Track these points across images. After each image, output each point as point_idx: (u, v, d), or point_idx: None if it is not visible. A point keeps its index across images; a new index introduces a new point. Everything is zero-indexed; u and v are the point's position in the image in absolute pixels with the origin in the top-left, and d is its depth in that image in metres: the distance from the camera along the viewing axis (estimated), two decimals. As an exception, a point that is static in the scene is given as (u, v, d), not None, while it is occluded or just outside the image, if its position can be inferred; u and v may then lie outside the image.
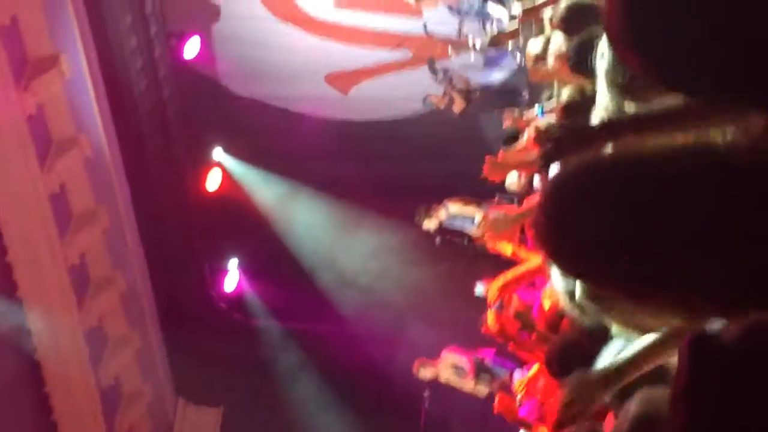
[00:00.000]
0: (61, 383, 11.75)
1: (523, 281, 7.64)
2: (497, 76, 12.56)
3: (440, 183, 11.94)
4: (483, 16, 11.35)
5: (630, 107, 3.91)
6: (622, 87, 3.91)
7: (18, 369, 11.25)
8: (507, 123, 8.60)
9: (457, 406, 11.35)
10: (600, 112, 4.23)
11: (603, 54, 4.06)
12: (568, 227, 1.75)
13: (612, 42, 1.84)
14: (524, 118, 8.91)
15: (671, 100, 3.00)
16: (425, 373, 10.36)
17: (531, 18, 7.76)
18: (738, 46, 1.59)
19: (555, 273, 4.80)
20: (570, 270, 1.90)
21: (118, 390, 13.10)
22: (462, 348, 10.36)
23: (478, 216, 10.19)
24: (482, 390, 9.83)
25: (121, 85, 12.33)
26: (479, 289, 9.69)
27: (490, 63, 12.26)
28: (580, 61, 5.07)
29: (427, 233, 11.29)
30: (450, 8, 11.68)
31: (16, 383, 11.22)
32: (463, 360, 9.92)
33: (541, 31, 7.53)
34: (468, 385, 9.90)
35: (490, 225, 7.34)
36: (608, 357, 3.91)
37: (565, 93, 6.46)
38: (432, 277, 13.18)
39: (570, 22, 5.90)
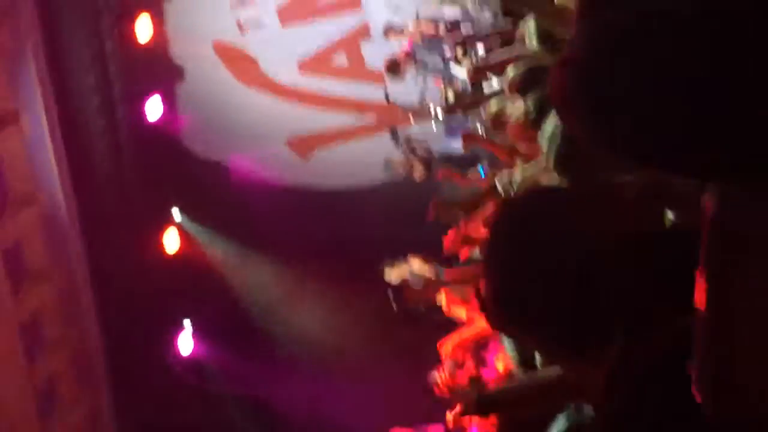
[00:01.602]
0: (7, 443, 11.51)
1: (476, 341, 7.61)
2: (458, 144, 12.66)
3: (400, 250, 11.93)
4: (447, 77, 11.43)
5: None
6: (560, 157, 3.90)
7: (-35, 429, 11.03)
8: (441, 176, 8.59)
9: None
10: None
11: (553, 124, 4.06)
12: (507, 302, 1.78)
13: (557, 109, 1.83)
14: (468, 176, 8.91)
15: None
16: None
17: (480, 79, 7.81)
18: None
19: (507, 342, 4.81)
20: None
21: (66, 453, 12.84)
22: (410, 426, 10.19)
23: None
24: None
25: (81, 145, 12.29)
26: (434, 376, 9.61)
27: (450, 131, 12.34)
28: (541, 118, 5.08)
29: (386, 300, 11.24)
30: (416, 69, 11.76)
31: (-38, 444, 10.99)
32: None
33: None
34: None
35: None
36: (561, 422, 3.88)
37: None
38: (389, 345, 13.11)
39: (527, 86, 5.94)
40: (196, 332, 14.44)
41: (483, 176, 7.83)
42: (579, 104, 1.69)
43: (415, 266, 10.06)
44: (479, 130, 10.65)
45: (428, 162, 12.01)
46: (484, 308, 1.86)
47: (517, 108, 6.42)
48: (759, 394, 1.35)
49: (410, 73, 11.86)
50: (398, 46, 12.02)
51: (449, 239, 7.74)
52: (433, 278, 9.19)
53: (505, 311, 1.80)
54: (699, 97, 1.55)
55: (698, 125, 1.57)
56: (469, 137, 7.79)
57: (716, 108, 1.54)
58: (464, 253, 8.70)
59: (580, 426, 3.78)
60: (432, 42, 11.67)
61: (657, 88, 1.59)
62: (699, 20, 1.60)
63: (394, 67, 11.77)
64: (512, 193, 6.57)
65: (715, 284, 1.37)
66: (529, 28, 5.61)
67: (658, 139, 1.62)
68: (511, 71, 6.39)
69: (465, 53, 10.67)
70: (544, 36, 5.50)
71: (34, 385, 11.68)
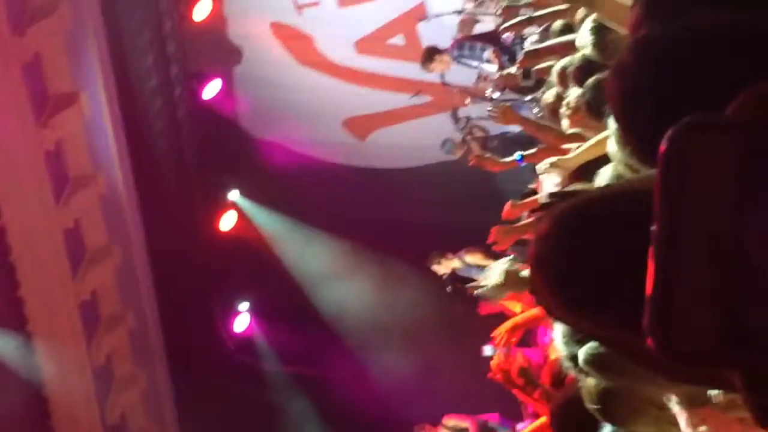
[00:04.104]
0: (67, 418, 11.73)
1: (531, 325, 7.57)
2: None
3: (454, 232, 11.92)
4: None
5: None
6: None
7: (25, 402, 11.24)
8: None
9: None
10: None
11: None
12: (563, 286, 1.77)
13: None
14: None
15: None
16: None
17: (531, 64, 7.71)
18: None
19: (557, 336, 4.78)
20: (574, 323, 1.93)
21: (123, 428, 13.06)
22: (464, 413, 10.20)
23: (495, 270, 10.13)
24: None
25: (139, 125, 12.41)
26: (488, 349, 9.62)
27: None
28: (596, 104, 5.01)
29: (439, 281, 11.26)
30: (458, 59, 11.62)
31: (23, 417, 11.21)
32: (465, 423, 9.76)
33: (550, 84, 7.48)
34: None
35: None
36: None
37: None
38: (442, 326, 13.13)
39: (584, 75, 5.85)
40: (251, 310, 14.58)
41: (520, 162, 7.62)
42: (633, 112, 1.75)
43: (470, 260, 10.05)
44: (535, 114, 10.58)
45: (485, 143, 11.97)
46: (540, 298, 1.86)
47: (573, 96, 6.36)
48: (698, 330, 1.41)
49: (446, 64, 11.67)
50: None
51: (494, 233, 7.54)
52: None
53: (568, 293, 1.79)
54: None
55: None
56: (506, 112, 7.66)
57: None
58: (508, 245, 8.57)
59: None
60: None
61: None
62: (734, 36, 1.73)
63: (428, 56, 11.58)
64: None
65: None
66: (586, 21, 5.52)
67: None
68: (565, 60, 6.32)
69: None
70: (598, 30, 5.40)
71: (94, 361, 11.89)
